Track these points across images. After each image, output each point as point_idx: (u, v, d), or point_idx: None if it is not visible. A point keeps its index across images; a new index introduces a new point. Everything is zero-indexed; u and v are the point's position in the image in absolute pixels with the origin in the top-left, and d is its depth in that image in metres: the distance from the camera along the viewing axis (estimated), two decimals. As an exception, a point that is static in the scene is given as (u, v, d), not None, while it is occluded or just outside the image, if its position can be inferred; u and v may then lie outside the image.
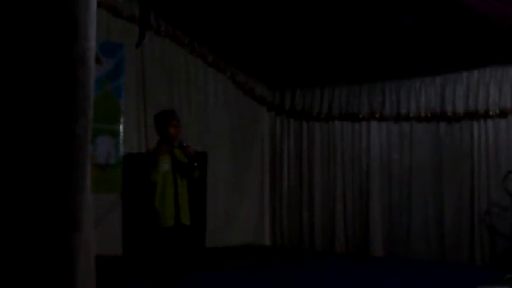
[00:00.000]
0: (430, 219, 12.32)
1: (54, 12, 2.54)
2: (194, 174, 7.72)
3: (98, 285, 8.35)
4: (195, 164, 7.64)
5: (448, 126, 12.19)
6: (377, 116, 12.97)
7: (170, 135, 7.67)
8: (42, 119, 2.56)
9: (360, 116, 13.17)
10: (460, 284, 9.70)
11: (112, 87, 11.78)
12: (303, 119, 14.04)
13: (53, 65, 2.57)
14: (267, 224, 14.36)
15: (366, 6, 10.70)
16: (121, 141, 11.81)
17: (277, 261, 12.09)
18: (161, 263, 7.57)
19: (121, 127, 11.83)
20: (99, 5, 11.32)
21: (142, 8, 11.26)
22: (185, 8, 12.10)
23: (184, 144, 7.65)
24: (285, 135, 14.30)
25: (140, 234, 10.82)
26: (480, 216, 11.65)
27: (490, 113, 11.63)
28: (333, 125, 13.61)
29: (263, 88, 14.39)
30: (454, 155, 12.09)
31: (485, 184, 11.66)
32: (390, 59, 12.14)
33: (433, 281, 10.02)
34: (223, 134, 13.78)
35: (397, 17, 10.64)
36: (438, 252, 12.16)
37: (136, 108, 12.30)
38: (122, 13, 11.86)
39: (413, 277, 10.47)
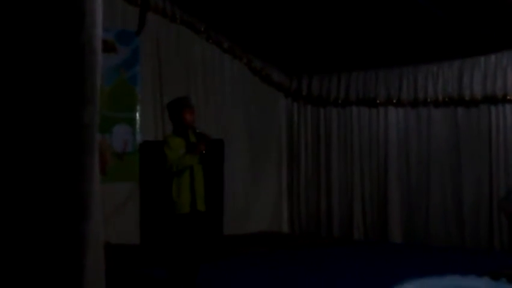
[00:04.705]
0: (449, 205, 12.27)
1: None
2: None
3: (117, 273, 8.36)
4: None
5: (466, 111, 12.11)
6: (394, 101, 12.91)
7: (185, 122, 7.68)
8: (50, 107, 2.55)
9: (378, 101, 13.11)
10: (479, 270, 9.63)
11: (129, 75, 11.79)
12: (320, 105, 14.00)
13: (60, 52, 2.55)
14: (285, 211, 14.36)
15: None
16: (137, 129, 11.82)
17: (295, 249, 12.08)
18: (178, 249, 7.58)
19: (137, 115, 11.84)
20: (114, -7, 11.38)
21: None
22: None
23: (197, 131, 7.67)
24: (302, 121, 14.26)
25: (157, 222, 10.83)
26: (498, 201, 11.57)
27: (508, 97, 11.54)
28: (350, 111, 13.55)
29: (280, 74, 14.34)
30: (472, 140, 12.01)
31: (504, 169, 11.59)
32: (407, 43, 12.06)
33: (452, 267, 9.96)
34: (240, 120, 13.76)
35: (414, 1, 10.56)
36: (457, 238, 12.11)
37: (152, 95, 12.32)
38: (137, 1, 11.83)
39: (432, 263, 10.43)
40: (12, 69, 2.52)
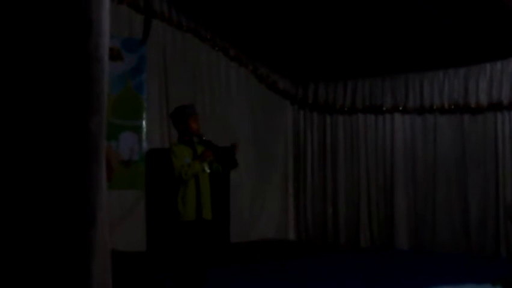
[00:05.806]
0: (455, 211, 12.26)
1: (67, 7, 2.53)
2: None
3: (123, 281, 8.35)
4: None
5: (472, 118, 12.11)
6: (401, 108, 12.92)
7: (191, 130, 7.66)
8: (57, 117, 2.55)
9: (384, 108, 13.12)
10: (485, 277, 9.62)
11: (135, 83, 11.82)
12: (326, 113, 14.01)
13: (67, 61, 2.55)
14: (292, 219, 14.36)
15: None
16: (144, 137, 11.84)
17: (301, 256, 12.08)
18: (184, 257, 7.58)
19: (143, 123, 11.86)
20: (121, 2, 11.42)
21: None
22: (207, 3, 12.10)
23: (204, 138, 7.67)
24: (308, 129, 14.27)
25: (163, 229, 10.84)
26: (505, 208, 11.56)
27: (514, 104, 11.57)
28: (356, 118, 13.56)
29: (286, 82, 14.37)
30: (478, 147, 12.01)
31: (510, 176, 11.58)
32: (413, 51, 12.06)
33: (458, 274, 9.95)
34: (247, 128, 13.76)
35: (420, 8, 10.57)
36: (464, 245, 12.09)
37: (158, 103, 12.34)
38: (143, 9, 11.86)
39: (438, 270, 10.42)
40: (18, 77, 2.53)
